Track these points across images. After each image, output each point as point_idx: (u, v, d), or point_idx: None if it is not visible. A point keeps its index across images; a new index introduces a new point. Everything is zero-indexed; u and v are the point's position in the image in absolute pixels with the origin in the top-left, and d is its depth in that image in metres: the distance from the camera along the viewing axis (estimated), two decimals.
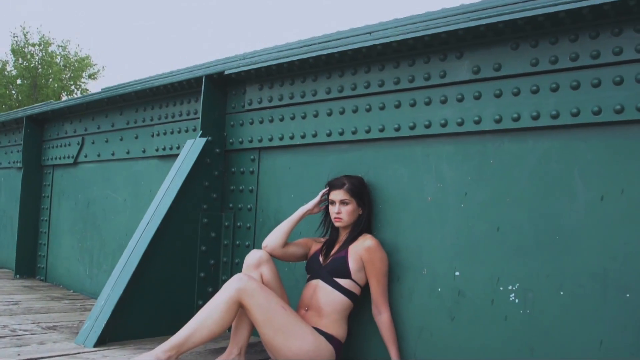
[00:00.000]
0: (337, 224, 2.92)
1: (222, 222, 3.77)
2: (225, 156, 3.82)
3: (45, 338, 3.27)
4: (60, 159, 5.54)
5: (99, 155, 5.03)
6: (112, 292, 3.21)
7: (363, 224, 2.92)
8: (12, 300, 4.46)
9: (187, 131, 4.12)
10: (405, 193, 2.89)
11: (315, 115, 3.29)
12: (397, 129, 2.90)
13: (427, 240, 2.79)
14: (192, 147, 3.65)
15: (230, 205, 3.78)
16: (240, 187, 3.73)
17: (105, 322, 3.09)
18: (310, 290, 2.87)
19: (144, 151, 4.51)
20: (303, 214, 3.03)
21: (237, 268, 3.70)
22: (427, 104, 2.80)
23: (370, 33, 2.85)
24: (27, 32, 32.76)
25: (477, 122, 2.63)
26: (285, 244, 2.99)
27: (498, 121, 2.56)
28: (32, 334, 3.34)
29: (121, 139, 4.77)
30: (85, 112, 5.19)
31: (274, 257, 2.97)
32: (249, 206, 3.67)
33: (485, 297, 2.56)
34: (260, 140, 3.60)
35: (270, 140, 3.54)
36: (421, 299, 2.78)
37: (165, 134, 4.30)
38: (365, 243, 2.81)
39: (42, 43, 32.93)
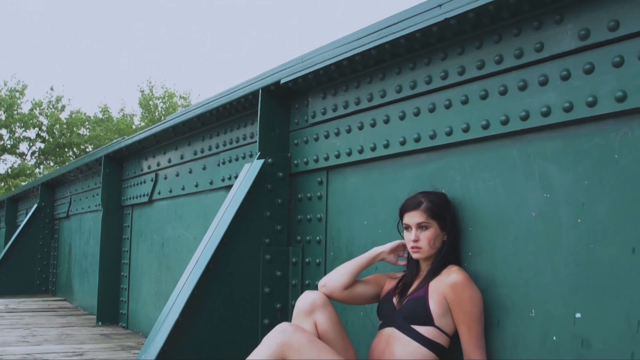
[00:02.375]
0: (415, 255, 2.27)
1: (289, 258, 3.22)
2: (291, 181, 3.29)
3: None
4: (137, 197, 5.28)
5: (170, 191, 4.68)
6: (153, 344, 2.73)
7: (448, 253, 2.25)
8: (79, 350, 4.12)
9: (251, 156, 3.64)
10: (502, 209, 2.19)
11: (386, 121, 2.68)
12: (486, 127, 2.23)
13: (534, 271, 2.07)
14: (248, 172, 3.15)
15: (298, 238, 3.22)
16: (308, 216, 3.16)
17: None
18: (382, 342, 2.23)
19: (211, 182, 4.08)
20: (375, 256, 2.41)
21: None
22: (522, 88, 2.11)
23: (440, 6, 2.22)
24: (152, 87, 35.14)
25: (592, 105, 1.91)
26: (350, 285, 2.37)
27: (621, 99, 1.83)
28: None
29: (190, 172, 4.39)
30: (157, 147, 4.89)
31: (333, 300, 2.36)
32: (317, 238, 3.09)
33: (622, 348, 1.80)
34: (326, 159, 3.03)
35: (338, 157, 2.96)
36: (530, 350, 2.05)
37: (230, 161, 3.86)
38: (449, 278, 2.13)
39: (166, 95, 35.05)
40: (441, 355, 2.15)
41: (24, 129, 36.05)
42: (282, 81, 3.08)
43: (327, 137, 3.04)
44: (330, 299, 2.35)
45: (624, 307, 1.81)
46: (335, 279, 2.37)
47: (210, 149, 4.10)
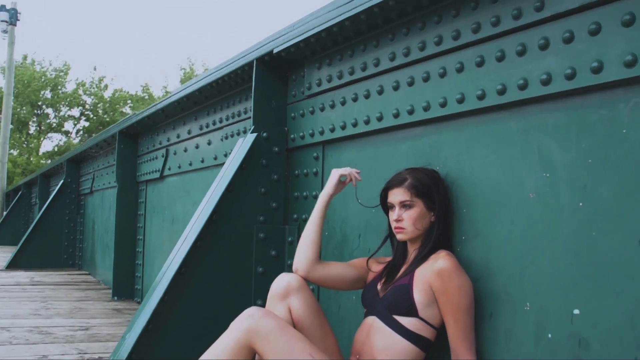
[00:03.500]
0: (399, 237, 2.07)
1: (285, 237, 3.05)
2: (288, 156, 3.10)
3: None
4: (150, 173, 5.18)
5: (179, 167, 4.56)
6: (137, 322, 2.61)
7: (437, 236, 2.03)
8: (85, 325, 4.07)
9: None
10: (499, 189, 1.96)
11: (380, 92, 2.46)
12: (481, 97, 1.99)
13: (530, 260, 1.84)
14: (240, 147, 2.98)
15: (295, 216, 3.04)
16: (304, 193, 2.98)
17: None
18: (364, 332, 2.04)
19: (215, 158, 3.93)
20: (324, 201, 2.28)
21: None
22: (521, 53, 1.87)
23: None
24: (192, 65, 35.47)
25: (597, 71, 1.66)
26: (318, 259, 2.20)
27: (631, 64, 1.58)
28: None
29: (197, 147, 4.25)
30: (167, 122, 4.77)
31: (314, 284, 2.19)
32: None
33: (624, 351, 1.57)
34: (322, 133, 2.83)
35: (332, 131, 2.75)
36: (524, 347, 1.83)
37: (232, 135, 3.69)
38: (436, 264, 1.92)
39: None
40: (426, 349, 1.95)
41: (68, 108, 36.76)
42: (275, 51, 2.88)
43: (322, 109, 2.83)
44: (308, 281, 2.18)
45: (627, 305, 1.57)
46: (302, 255, 2.20)
47: (214, 123, 3.95)
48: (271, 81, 3.08)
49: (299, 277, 2.15)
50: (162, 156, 4.86)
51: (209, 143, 4.04)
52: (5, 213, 13.03)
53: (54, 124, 36.24)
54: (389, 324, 1.95)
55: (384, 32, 2.41)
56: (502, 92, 1.91)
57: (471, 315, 1.90)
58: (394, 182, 2.07)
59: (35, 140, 35.11)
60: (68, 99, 35.99)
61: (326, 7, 2.54)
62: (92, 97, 37.12)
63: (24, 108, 33.61)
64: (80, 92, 36.55)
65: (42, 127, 35.79)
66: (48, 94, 35.13)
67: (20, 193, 12.61)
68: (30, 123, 35.30)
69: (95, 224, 7.20)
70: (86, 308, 4.79)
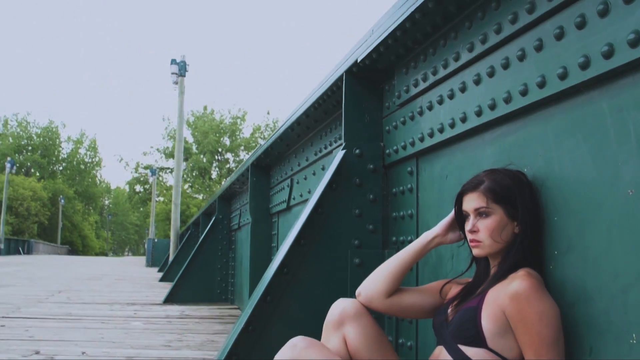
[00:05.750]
0: (475, 252, 1.73)
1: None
2: (386, 173, 2.85)
3: None
4: (279, 204, 5.16)
5: (301, 196, 4.47)
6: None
7: (521, 251, 1.66)
8: (209, 357, 4.06)
9: None
10: (591, 187, 1.57)
11: (462, 89, 2.14)
12: (563, 76, 1.62)
13: (635, 276, 1.42)
14: (330, 166, 2.79)
15: (394, 238, 2.77)
16: (401, 213, 2.70)
17: None
18: None
19: None
20: (427, 243, 1.90)
21: (404, 326, 2.64)
22: (603, 14, 1.48)
23: None
24: None
25: None
26: (395, 291, 1.89)
27: None
28: None
29: (314, 174, 4.13)
30: (289, 151, 4.74)
31: (375, 311, 1.90)
32: (409, 238, 2.62)
33: None
34: (412, 144, 2.56)
35: (422, 140, 2.47)
36: None
37: None
38: (511, 285, 1.55)
39: None
40: None
41: (246, 151, 39.27)
42: (359, 59, 2.68)
43: (412, 118, 2.56)
44: (370, 309, 1.89)
45: None
46: (371, 284, 1.90)
47: (325, 147, 3.81)
48: (363, 94, 2.87)
49: (358, 302, 1.88)
50: (288, 186, 4.82)
51: (323, 168, 3.90)
52: (177, 251, 13.97)
53: (234, 168, 38.82)
54: (453, 354, 1.61)
55: (462, 20, 2.11)
56: (585, 66, 1.53)
57: (559, 351, 1.51)
58: (469, 186, 1.75)
59: (217, 185, 37.85)
60: (245, 144, 38.51)
61: (397, 4, 2.30)
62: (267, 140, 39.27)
63: (204, 156, 36.52)
64: (257, 136, 38.96)
65: (222, 172, 38.50)
66: (226, 140, 37.87)
67: (189, 232, 13.48)
68: (212, 169, 38.18)
69: (243, 258, 7.37)
70: (218, 341, 4.81)
